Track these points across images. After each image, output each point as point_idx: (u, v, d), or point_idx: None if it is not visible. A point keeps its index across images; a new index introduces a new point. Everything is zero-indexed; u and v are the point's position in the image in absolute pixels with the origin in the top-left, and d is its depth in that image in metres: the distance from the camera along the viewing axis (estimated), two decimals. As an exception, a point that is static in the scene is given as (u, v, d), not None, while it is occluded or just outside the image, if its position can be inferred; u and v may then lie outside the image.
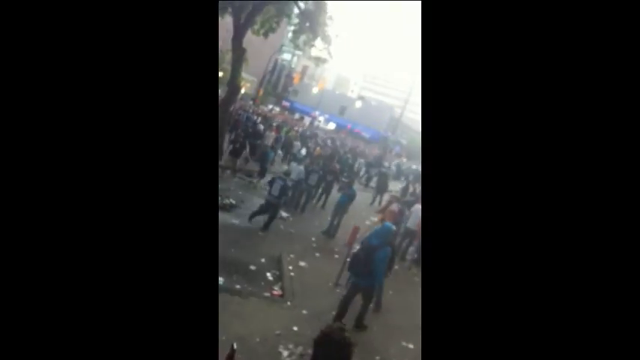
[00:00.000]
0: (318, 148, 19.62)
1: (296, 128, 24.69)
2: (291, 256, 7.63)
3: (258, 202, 10.56)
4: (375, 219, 10.02)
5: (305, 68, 47.75)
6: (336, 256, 8.30)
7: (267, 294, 6.12)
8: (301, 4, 13.17)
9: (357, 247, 7.03)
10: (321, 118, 46.33)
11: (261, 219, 9.26)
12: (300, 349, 4.74)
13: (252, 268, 6.87)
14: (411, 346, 5.63)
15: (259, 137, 15.93)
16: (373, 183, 18.47)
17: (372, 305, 5.87)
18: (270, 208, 9.03)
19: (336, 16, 13.64)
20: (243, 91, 26.17)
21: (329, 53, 13.80)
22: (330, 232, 9.77)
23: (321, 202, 12.53)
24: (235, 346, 2.44)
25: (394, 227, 6.57)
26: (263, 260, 7.27)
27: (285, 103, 48.12)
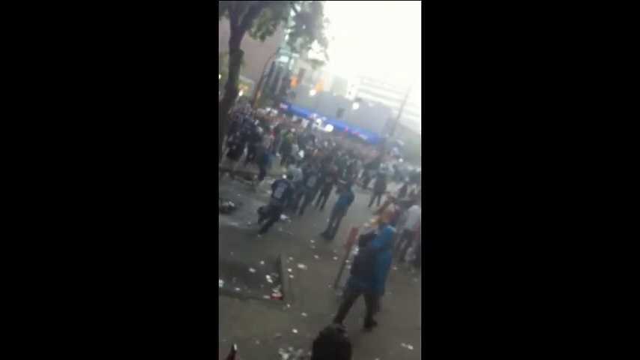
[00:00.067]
0: (316, 150, 19.63)
1: (293, 130, 24.67)
2: (290, 258, 7.63)
3: (257, 204, 10.55)
4: (373, 220, 10.04)
5: (302, 71, 47.73)
6: (335, 258, 8.30)
7: (266, 296, 6.11)
8: (298, 7, 13.18)
9: (356, 248, 7.05)
10: (319, 121, 46.37)
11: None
12: (300, 351, 4.74)
13: (252, 270, 6.87)
14: (410, 347, 5.63)
15: (258, 140, 15.94)
16: (371, 184, 18.49)
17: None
18: (274, 211, 9.05)
19: (333, 18, 13.65)
20: (240, 93, 26.18)
21: (326, 55, 13.81)
22: (329, 234, 9.77)
23: (319, 204, 12.54)
24: (235, 347, 2.45)
25: (395, 230, 6.61)
26: (262, 263, 7.27)
27: (283, 106, 48.11)
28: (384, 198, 13.41)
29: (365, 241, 6.50)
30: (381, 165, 22.01)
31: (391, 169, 24.67)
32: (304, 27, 12.93)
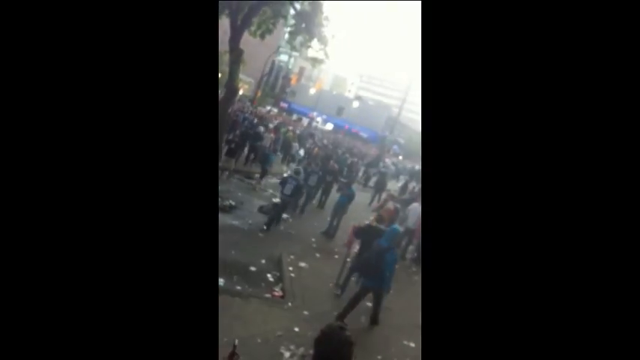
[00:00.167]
0: (316, 149, 19.63)
1: (291, 128, 24.63)
2: (291, 257, 7.64)
3: (258, 203, 10.58)
4: (372, 218, 10.06)
5: (302, 69, 47.74)
6: (336, 256, 8.31)
7: (267, 295, 6.12)
8: (297, 5, 13.18)
9: (356, 247, 7.06)
10: (319, 119, 46.33)
11: (263, 219, 9.30)
12: (301, 349, 4.75)
13: (253, 269, 6.87)
14: (412, 344, 5.64)
15: (260, 139, 15.94)
16: (372, 183, 18.50)
17: (368, 303, 5.93)
18: (282, 207, 9.21)
19: (333, 17, 13.65)
20: (241, 92, 26.15)
21: (325, 54, 13.80)
22: (330, 233, 9.78)
23: (320, 203, 12.55)
24: (237, 342, 2.46)
25: (401, 228, 6.65)
26: (263, 261, 7.28)
27: (283, 105, 48.12)
28: (384, 196, 13.43)
29: (361, 233, 6.57)
30: (381, 163, 22.03)
31: (391, 168, 24.68)
32: (304, 25, 12.93)
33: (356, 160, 20.78)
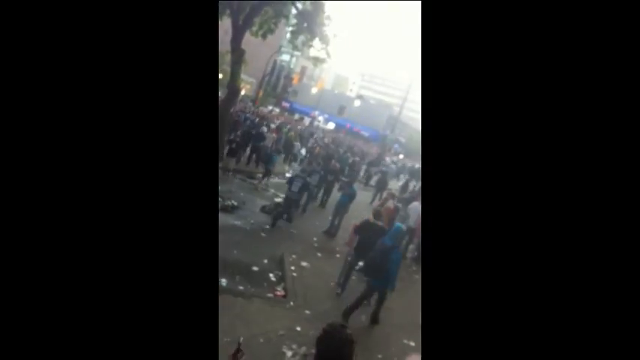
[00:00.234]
0: (318, 148, 19.63)
1: (289, 126, 24.60)
2: (293, 256, 7.65)
3: (260, 203, 10.59)
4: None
5: (304, 69, 47.68)
6: (338, 255, 8.32)
7: (270, 295, 6.14)
8: (299, 5, 13.19)
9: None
10: (321, 118, 46.31)
11: (265, 219, 9.33)
12: (303, 348, 4.76)
13: (255, 269, 6.89)
14: (412, 343, 5.66)
15: (262, 139, 15.94)
16: (373, 182, 18.49)
17: (366, 302, 5.96)
18: (290, 205, 9.36)
19: (334, 16, 13.66)
20: (242, 92, 26.16)
21: (327, 53, 13.81)
22: (331, 232, 9.79)
23: (322, 202, 12.55)
24: (242, 340, 2.48)
25: (404, 227, 6.66)
26: (265, 261, 7.29)
27: (285, 104, 48.08)
28: (385, 195, 13.43)
29: (359, 230, 6.60)
30: (382, 162, 22.01)
31: (392, 166, 24.67)
32: (305, 25, 12.94)
33: (357, 159, 20.75)
